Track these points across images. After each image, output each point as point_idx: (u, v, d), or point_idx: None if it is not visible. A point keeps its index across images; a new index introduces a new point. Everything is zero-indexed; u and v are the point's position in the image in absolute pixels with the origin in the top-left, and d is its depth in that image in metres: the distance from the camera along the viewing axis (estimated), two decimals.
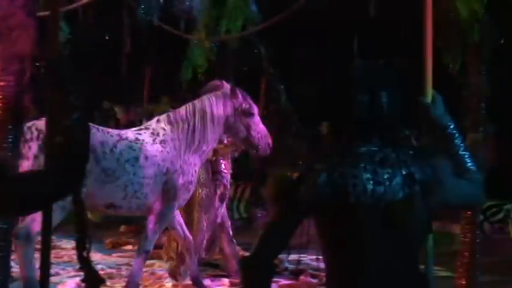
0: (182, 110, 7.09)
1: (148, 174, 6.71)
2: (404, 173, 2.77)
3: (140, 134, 6.90)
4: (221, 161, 8.20)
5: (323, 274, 6.51)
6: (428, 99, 3.30)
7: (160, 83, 13.36)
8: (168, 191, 6.83)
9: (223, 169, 8.21)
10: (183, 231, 7.25)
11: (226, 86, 7.30)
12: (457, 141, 3.09)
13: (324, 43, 15.08)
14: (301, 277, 8.24)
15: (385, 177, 2.76)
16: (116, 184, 6.54)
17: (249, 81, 12.13)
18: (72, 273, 7.88)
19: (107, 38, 13.30)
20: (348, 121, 2.87)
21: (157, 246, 7.76)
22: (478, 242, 6.61)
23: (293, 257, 8.68)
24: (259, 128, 7.27)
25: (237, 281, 7.62)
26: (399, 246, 2.77)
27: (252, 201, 12.30)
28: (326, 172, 2.78)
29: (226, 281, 8.05)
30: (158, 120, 7.07)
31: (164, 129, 6.97)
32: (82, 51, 10.47)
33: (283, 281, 8.05)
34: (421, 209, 2.79)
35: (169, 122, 7.01)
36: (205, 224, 8.02)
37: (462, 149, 3.08)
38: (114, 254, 9.91)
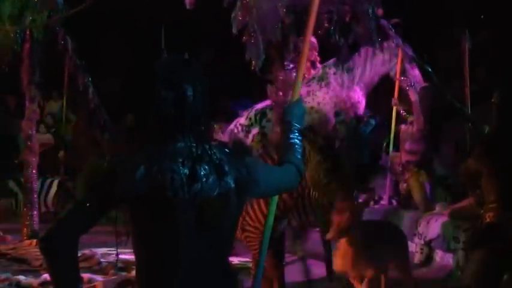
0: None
1: None
2: (220, 170, 2.81)
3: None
4: None
5: None
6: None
7: None
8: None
9: None
10: None
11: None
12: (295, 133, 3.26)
13: (132, 35, 15.02)
14: (124, 273, 8.02)
15: (202, 173, 2.77)
16: None
17: (55, 72, 11.93)
18: None
19: None
20: (155, 116, 2.83)
21: None
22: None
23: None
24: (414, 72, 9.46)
25: None
26: (213, 242, 2.81)
27: (60, 194, 12.00)
28: (144, 165, 2.73)
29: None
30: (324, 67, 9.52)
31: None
32: None
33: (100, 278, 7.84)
34: (234, 206, 2.85)
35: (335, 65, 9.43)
36: None
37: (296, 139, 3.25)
38: None
